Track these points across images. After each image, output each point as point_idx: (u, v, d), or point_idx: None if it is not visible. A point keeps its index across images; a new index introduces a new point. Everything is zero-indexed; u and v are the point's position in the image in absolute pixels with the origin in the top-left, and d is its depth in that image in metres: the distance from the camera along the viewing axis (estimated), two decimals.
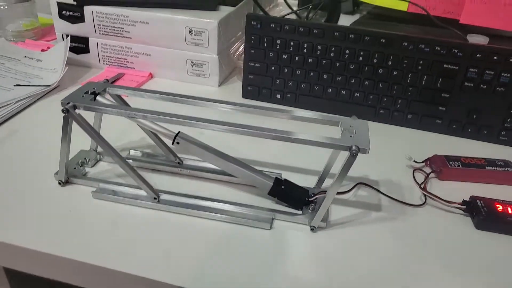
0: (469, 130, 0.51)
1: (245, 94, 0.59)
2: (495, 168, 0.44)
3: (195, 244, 0.35)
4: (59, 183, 0.39)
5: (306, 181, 0.42)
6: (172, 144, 0.37)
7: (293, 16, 0.82)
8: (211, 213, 0.37)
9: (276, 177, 0.38)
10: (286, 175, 0.43)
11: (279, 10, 0.90)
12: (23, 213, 0.36)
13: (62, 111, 0.36)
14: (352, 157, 0.33)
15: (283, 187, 0.38)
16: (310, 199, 0.38)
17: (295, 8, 0.80)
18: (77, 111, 0.36)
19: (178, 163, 0.44)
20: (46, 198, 0.38)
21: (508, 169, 0.44)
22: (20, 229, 0.35)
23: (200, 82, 0.62)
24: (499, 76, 0.48)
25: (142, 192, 0.39)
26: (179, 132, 0.37)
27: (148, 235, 0.35)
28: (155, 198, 0.38)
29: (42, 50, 0.66)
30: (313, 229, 0.36)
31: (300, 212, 0.38)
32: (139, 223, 0.36)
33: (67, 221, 0.36)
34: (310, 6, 0.77)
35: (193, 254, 0.34)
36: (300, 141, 0.34)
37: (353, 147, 0.33)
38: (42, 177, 0.40)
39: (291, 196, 0.38)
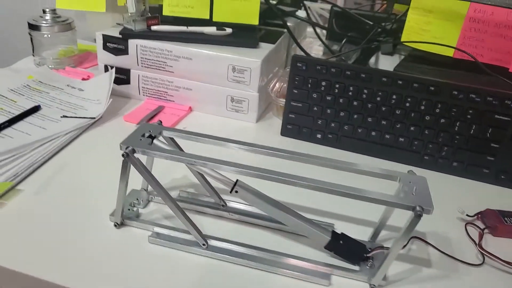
0: None
1: (284, 132, 0.59)
2: None
3: None
4: (115, 225, 0.39)
5: (357, 230, 0.41)
6: (230, 192, 0.36)
7: (320, 50, 0.83)
8: (266, 265, 0.36)
9: (333, 231, 0.38)
10: (335, 224, 0.42)
11: (309, 41, 0.91)
12: (79, 255, 0.36)
13: (122, 155, 0.36)
14: (417, 218, 0.32)
15: (341, 241, 0.37)
16: (367, 255, 0.37)
17: (323, 38, 0.81)
18: (135, 154, 0.36)
19: (222, 205, 0.43)
20: (102, 240, 0.38)
21: None
22: (77, 272, 0.35)
23: (238, 118, 0.62)
24: None
25: (193, 237, 0.38)
26: (237, 180, 0.36)
27: (201, 284, 0.35)
28: (204, 245, 0.38)
29: (83, 79, 0.67)
30: (373, 287, 0.35)
31: (357, 268, 0.37)
32: (193, 271, 0.36)
33: (125, 265, 0.36)
34: (344, 41, 0.77)
35: None
36: (364, 198, 0.33)
37: (417, 208, 0.32)
38: (97, 217, 0.40)
39: (348, 251, 0.37)
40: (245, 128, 0.61)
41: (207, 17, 0.63)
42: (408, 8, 0.57)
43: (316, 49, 0.88)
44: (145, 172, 0.37)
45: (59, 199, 0.43)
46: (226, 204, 0.43)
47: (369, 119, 0.54)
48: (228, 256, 0.37)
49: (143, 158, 0.39)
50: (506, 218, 0.43)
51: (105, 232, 0.39)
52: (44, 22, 0.70)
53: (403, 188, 0.35)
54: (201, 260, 0.37)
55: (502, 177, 0.51)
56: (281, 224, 0.40)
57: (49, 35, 0.70)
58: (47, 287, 0.34)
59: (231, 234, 0.40)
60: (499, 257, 0.39)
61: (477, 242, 0.41)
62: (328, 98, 0.55)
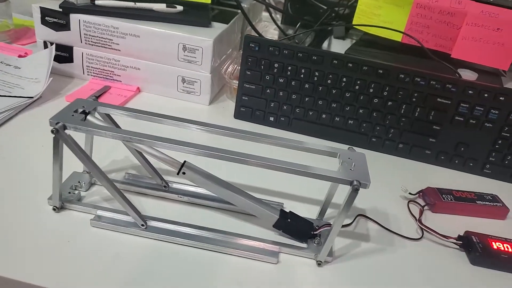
0: (456, 161, 0.53)
1: (237, 115, 0.58)
2: (485, 203, 0.45)
3: (197, 278, 0.33)
4: (54, 209, 0.37)
5: (305, 209, 0.42)
6: (177, 174, 0.35)
7: (275, 34, 0.83)
8: (214, 244, 0.36)
9: (281, 209, 0.38)
10: (285, 203, 0.43)
11: (264, 25, 0.90)
12: (17, 242, 0.33)
13: (52, 131, 0.33)
14: (354, 192, 0.33)
15: (289, 220, 0.37)
16: (314, 232, 0.38)
17: (278, 23, 0.81)
18: (66, 131, 0.34)
19: (164, 186, 0.42)
20: (40, 225, 0.35)
21: (496, 204, 0.46)
22: (13, 260, 0.32)
23: (190, 100, 0.61)
24: (488, 113, 0.50)
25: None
26: (185, 161, 0.35)
27: (146, 266, 0.33)
28: (142, 225, 0.36)
29: (20, 56, 0.62)
30: (319, 263, 0.36)
31: (305, 245, 0.37)
32: (137, 253, 0.34)
33: (65, 250, 0.33)
34: (298, 24, 0.77)
35: None
36: (302, 173, 0.33)
37: (355, 182, 0.33)
38: (34, 202, 0.38)
39: (296, 229, 0.37)
40: (197, 110, 0.59)
41: None
42: None
43: (271, 33, 0.87)
44: (77, 149, 0.34)
45: None
46: (168, 185, 0.42)
47: (320, 102, 0.54)
48: (172, 237, 0.36)
49: (81, 138, 0.37)
50: (444, 195, 0.45)
51: (42, 216, 0.36)
52: None
53: (343, 164, 0.35)
54: (145, 242, 0.36)
55: (442, 157, 0.53)
56: (229, 204, 0.40)
57: None
58: None
59: (177, 215, 0.39)
60: (436, 231, 0.41)
61: (417, 218, 0.43)
62: (281, 80, 0.55)
